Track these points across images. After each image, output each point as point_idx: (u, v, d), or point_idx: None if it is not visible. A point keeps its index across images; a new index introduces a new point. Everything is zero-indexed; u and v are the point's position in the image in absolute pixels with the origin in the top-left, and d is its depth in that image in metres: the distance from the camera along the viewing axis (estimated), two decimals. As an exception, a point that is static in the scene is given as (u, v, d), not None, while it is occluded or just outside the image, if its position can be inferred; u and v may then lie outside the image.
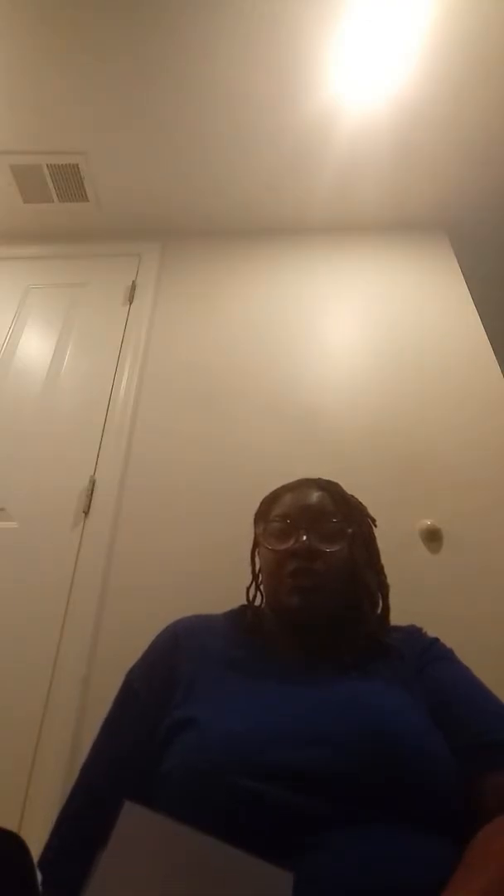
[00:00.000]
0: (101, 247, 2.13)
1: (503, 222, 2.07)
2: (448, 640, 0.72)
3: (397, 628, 0.75)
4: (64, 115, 1.73)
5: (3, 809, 1.02)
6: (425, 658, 0.67)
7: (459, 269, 1.95)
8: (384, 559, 0.80)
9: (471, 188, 1.96)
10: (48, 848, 0.55)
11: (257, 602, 0.80)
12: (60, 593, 1.29)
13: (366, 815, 0.46)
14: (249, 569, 0.83)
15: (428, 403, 1.58)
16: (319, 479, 0.80)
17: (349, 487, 0.81)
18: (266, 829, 0.45)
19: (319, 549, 0.69)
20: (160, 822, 0.37)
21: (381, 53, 1.54)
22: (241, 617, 0.76)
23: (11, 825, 0.93)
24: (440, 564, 1.28)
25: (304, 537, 0.69)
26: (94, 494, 1.45)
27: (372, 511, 0.83)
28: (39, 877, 0.46)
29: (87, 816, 0.55)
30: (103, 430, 1.58)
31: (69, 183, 1.95)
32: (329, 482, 0.80)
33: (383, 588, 0.77)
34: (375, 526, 0.81)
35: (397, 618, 0.77)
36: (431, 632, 0.74)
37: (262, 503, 0.82)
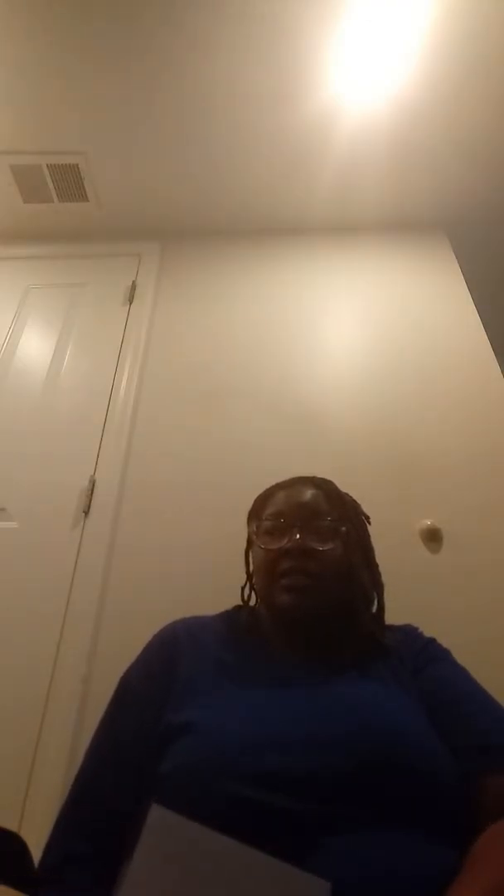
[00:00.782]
0: (100, 247, 2.14)
1: (503, 222, 2.07)
2: (448, 640, 0.72)
3: (393, 627, 0.74)
4: (64, 115, 1.73)
5: (3, 809, 1.02)
6: (422, 658, 0.67)
7: (459, 269, 1.95)
8: (384, 559, 0.79)
9: (471, 188, 1.96)
10: (49, 850, 0.54)
11: (252, 602, 0.79)
12: (60, 593, 1.29)
13: (366, 818, 0.46)
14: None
15: (428, 403, 1.58)
16: (314, 476, 0.79)
17: (349, 487, 0.81)
18: (265, 834, 0.44)
19: (313, 547, 0.68)
20: (191, 827, 0.36)
21: (381, 53, 1.54)
22: (237, 618, 0.75)
23: (11, 825, 0.93)
24: (440, 564, 1.28)
25: (298, 536, 0.68)
26: (94, 494, 1.45)
27: (372, 511, 0.82)
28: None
29: (86, 818, 0.55)
30: (103, 430, 1.59)
31: (69, 183, 1.95)
32: (323, 480, 0.79)
33: (378, 587, 0.76)
34: (370, 523, 0.80)
35: (398, 617, 0.77)
36: (431, 632, 0.73)
37: (255, 501, 0.81)
